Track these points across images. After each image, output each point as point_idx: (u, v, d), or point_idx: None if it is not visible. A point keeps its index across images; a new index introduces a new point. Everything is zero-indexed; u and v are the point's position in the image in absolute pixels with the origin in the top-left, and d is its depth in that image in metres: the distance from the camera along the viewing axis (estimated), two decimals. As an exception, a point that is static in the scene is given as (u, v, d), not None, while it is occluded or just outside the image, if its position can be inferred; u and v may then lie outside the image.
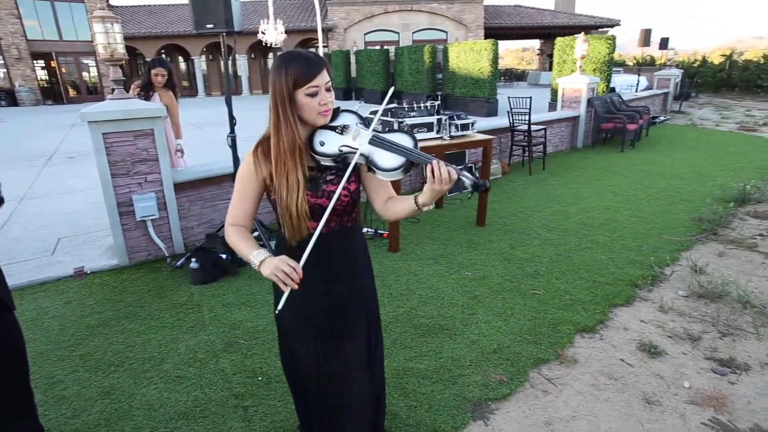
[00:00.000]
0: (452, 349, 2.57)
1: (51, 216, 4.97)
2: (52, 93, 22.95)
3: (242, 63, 25.00)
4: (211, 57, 26.15)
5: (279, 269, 1.22)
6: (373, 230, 4.23)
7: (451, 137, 3.96)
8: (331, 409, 1.61)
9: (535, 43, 34.60)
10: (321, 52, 5.38)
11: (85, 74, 23.80)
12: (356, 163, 1.33)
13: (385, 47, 18.35)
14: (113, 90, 3.42)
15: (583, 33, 8.39)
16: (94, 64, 23.35)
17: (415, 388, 2.26)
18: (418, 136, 3.77)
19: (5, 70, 21.76)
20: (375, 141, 1.31)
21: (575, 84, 8.20)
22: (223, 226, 3.15)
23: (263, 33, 13.23)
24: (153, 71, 3.94)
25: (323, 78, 1.30)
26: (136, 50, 23.22)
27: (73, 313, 3.04)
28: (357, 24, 23.56)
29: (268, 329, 2.81)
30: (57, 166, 7.72)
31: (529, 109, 6.49)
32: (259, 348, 2.66)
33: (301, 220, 1.34)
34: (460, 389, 2.25)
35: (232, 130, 3.60)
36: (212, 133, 10.50)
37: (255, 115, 14.25)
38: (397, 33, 23.89)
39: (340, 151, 1.33)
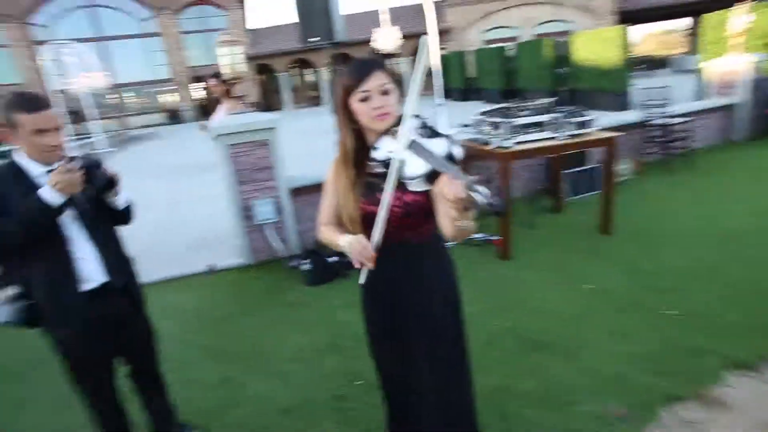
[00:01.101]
0: (562, 371, 2.31)
1: (192, 219, 5.73)
2: (207, 110, 26.69)
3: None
4: (334, 68, 27.94)
5: (353, 246, 1.27)
6: (483, 236, 4.05)
7: (568, 136, 3.61)
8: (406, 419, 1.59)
9: (682, 23, 30.27)
10: (437, 54, 5.26)
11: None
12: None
13: (503, 45, 17.67)
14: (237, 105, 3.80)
15: (745, 1, 7.03)
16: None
17: (515, 411, 2.08)
18: (528, 137, 3.51)
19: (177, 93, 25.93)
20: (412, 146, 1.21)
21: (730, 66, 6.91)
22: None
23: (375, 41, 13.68)
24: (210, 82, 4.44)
25: (376, 81, 1.26)
26: (268, 66, 25.82)
27: (203, 306, 3.43)
28: (474, 24, 23.11)
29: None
30: (201, 175, 8.90)
31: (667, 99, 5.64)
32: (362, 351, 2.67)
33: (355, 227, 1.35)
34: (569, 419, 2.00)
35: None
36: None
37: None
38: (518, 29, 22.86)
39: (387, 156, 1.26)
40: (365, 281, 1.32)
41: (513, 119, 3.49)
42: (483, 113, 3.77)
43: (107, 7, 24.30)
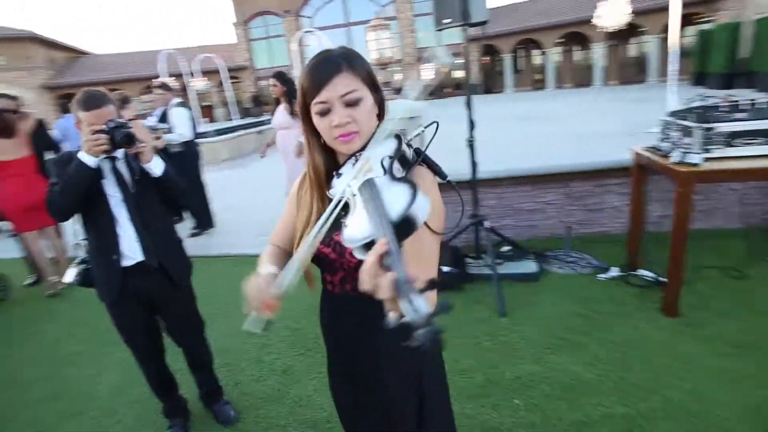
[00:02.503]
0: None
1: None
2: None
3: (598, 52, 23.12)
4: (565, 48, 25.43)
5: (249, 284, 0.97)
6: (652, 276, 3.04)
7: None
8: None
9: None
10: (676, 31, 3.87)
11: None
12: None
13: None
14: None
15: None
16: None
17: None
18: (736, 150, 2.38)
19: (403, 74, 27.96)
20: (363, 188, 0.80)
21: None
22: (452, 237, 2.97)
23: (599, 17, 11.66)
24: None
25: (336, 88, 0.91)
26: (493, 47, 25.18)
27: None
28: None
29: (449, 358, 2.45)
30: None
31: None
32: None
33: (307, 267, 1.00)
34: None
35: (471, 132, 3.24)
36: (529, 128, 10.18)
37: (603, 106, 13.07)
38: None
39: (344, 190, 0.89)
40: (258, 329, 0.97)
41: (715, 123, 2.41)
42: (675, 113, 2.73)
43: (357, -4, 27.60)
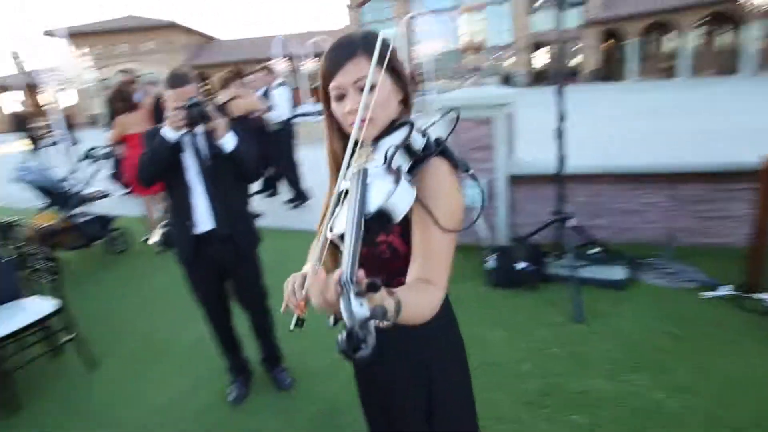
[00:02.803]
0: None
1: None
2: (539, 77, 26.38)
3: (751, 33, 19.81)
4: (707, 29, 22.17)
5: (288, 281, 0.92)
6: (773, 299, 2.56)
7: None
8: None
9: None
10: None
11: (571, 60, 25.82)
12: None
13: None
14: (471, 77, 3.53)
15: None
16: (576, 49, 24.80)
17: None
18: None
19: (515, 59, 26.69)
20: (355, 178, 0.77)
21: None
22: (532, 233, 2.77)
23: None
24: None
25: (350, 73, 0.86)
26: (616, 31, 22.83)
27: None
28: None
29: (509, 360, 2.33)
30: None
31: None
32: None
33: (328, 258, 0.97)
34: None
35: (561, 122, 2.95)
36: (645, 122, 9.09)
37: (748, 98, 11.40)
38: None
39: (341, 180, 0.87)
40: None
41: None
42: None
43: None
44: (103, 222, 4.42)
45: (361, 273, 0.62)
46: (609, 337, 2.49)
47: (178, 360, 2.70)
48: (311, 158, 8.66)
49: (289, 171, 5.43)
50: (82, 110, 28.25)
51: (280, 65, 17.06)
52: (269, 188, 6.04)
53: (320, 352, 2.61)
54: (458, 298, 2.78)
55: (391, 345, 1.00)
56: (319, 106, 1.02)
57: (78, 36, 25.81)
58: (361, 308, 0.58)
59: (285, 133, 5.22)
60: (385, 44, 0.90)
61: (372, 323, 0.58)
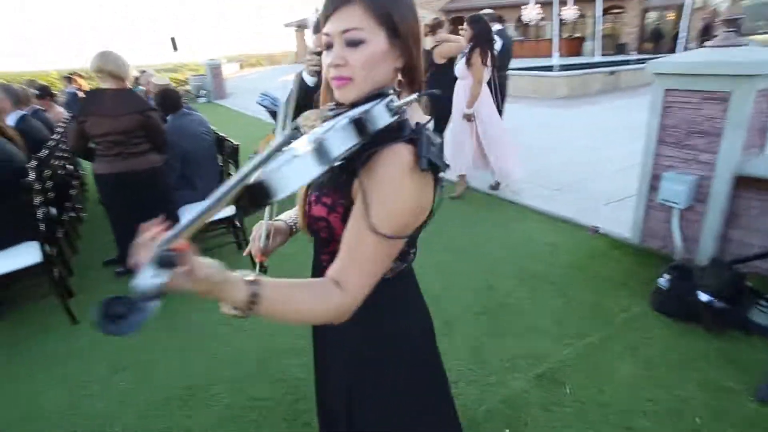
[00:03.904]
0: None
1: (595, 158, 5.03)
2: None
3: None
4: None
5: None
6: None
7: None
8: None
9: None
10: None
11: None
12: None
13: None
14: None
15: None
16: None
17: None
18: None
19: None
20: (276, 141, 0.68)
21: None
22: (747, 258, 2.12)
23: None
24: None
25: (341, 21, 0.75)
26: None
27: (556, 257, 3.18)
28: None
29: (627, 407, 1.90)
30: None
31: None
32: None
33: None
34: None
35: None
36: None
37: None
38: None
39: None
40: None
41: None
42: None
43: None
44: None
45: (183, 244, 0.59)
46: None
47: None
48: (537, 116, 8.15)
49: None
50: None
51: (532, 12, 15.84)
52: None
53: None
54: (601, 311, 2.35)
55: (333, 334, 0.95)
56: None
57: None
58: (149, 278, 0.56)
59: (491, 85, 4.94)
60: (402, 1, 0.76)
61: (153, 303, 0.56)
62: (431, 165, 0.70)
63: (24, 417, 2.07)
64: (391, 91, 0.75)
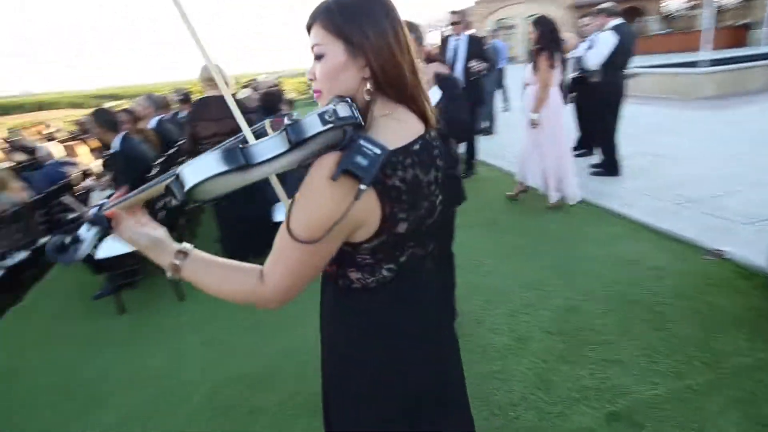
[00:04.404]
0: None
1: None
2: None
3: None
4: None
5: None
6: None
7: None
8: None
9: None
10: None
11: None
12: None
13: None
14: None
15: None
16: None
17: None
18: None
19: None
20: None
21: None
22: None
23: None
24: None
25: (311, 39, 0.83)
26: None
27: (661, 282, 2.78)
28: None
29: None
30: None
31: None
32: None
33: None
34: None
35: None
36: None
37: None
38: None
39: None
40: None
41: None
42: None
43: None
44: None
45: (111, 212, 0.83)
46: None
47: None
48: (643, 117, 7.02)
49: (606, 135, 4.69)
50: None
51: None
52: (584, 147, 5.46)
53: (492, 327, 2.49)
54: (709, 351, 2.08)
55: (325, 323, 0.99)
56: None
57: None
58: (84, 230, 0.83)
59: (602, 87, 4.50)
60: (342, 9, 0.78)
61: (83, 244, 0.83)
62: (348, 174, 0.68)
63: (132, 376, 2.46)
64: (347, 101, 0.75)
